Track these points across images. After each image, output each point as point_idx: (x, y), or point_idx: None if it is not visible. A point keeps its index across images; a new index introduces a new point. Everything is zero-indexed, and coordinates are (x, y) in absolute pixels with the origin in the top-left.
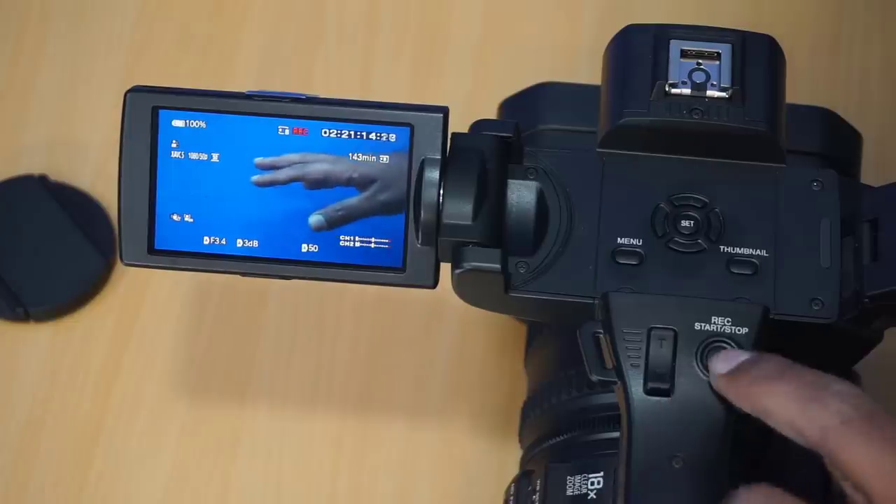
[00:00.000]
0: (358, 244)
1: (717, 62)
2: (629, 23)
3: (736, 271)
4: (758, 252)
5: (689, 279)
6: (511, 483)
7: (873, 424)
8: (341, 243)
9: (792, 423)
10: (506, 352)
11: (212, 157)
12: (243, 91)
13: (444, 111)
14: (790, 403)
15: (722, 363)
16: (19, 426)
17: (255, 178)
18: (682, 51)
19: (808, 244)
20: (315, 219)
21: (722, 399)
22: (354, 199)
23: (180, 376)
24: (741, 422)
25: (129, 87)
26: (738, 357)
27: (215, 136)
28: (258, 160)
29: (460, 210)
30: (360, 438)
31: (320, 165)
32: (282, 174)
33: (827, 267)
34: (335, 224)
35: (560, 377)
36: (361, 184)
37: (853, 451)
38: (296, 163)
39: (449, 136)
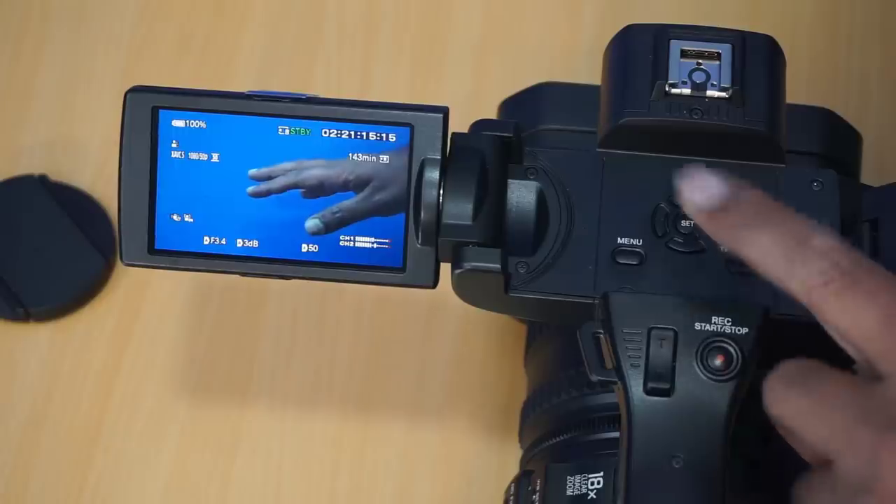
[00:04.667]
0: (358, 244)
1: (717, 62)
2: (629, 23)
3: (736, 271)
4: None
5: (689, 279)
6: (511, 483)
7: (852, 280)
8: (341, 243)
9: (779, 278)
10: (506, 352)
11: (212, 157)
12: (243, 91)
13: (444, 111)
14: (775, 257)
15: (697, 193)
16: (19, 426)
17: (250, 189)
18: (682, 51)
19: None
20: (312, 223)
21: (722, 398)
22: (352, 200)
23: (180, 376)
24: (741, 422)
25: (129, 87)
26: (710, 187)
27: (215, 136)
28: (253, 172)
29: (460, 210)
30: (360, 438)
31: (316, 171)
32: (276, 183)
33: None
34: (333, 227)
35: (560, 377)
36: (358, 185)
37: (834, 313)
38: (290, 170)
39: (449, 136)
